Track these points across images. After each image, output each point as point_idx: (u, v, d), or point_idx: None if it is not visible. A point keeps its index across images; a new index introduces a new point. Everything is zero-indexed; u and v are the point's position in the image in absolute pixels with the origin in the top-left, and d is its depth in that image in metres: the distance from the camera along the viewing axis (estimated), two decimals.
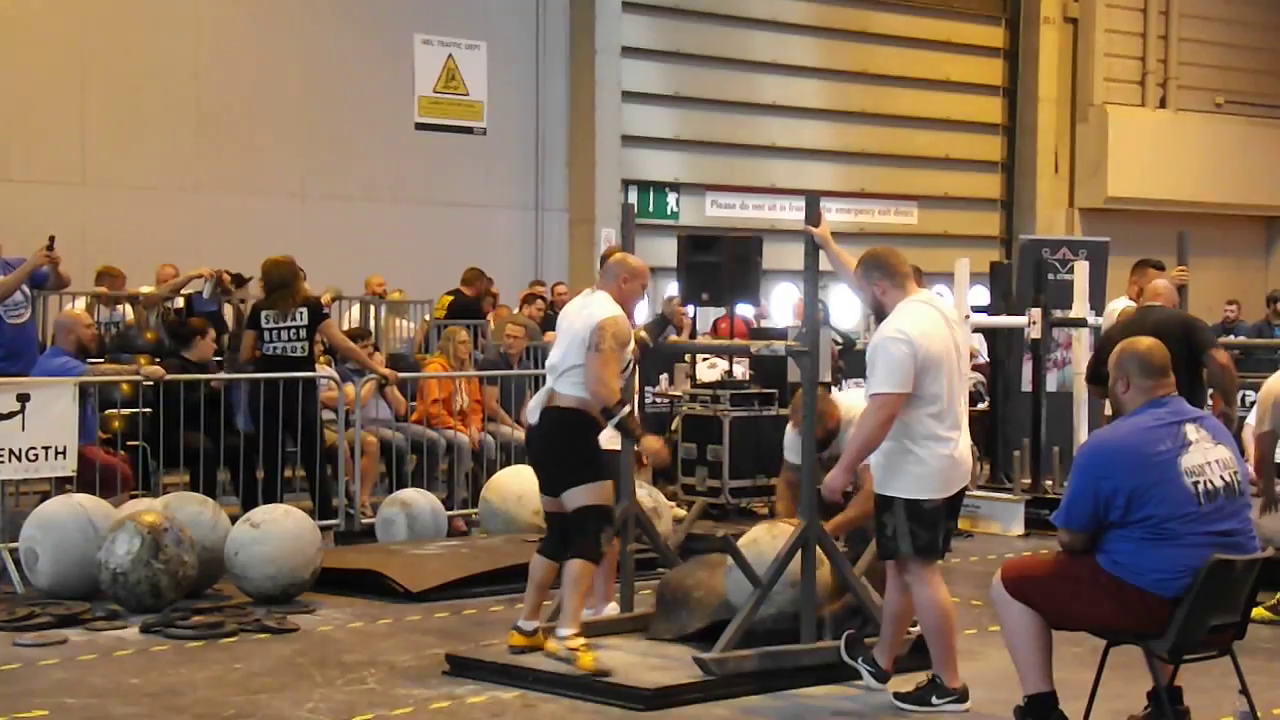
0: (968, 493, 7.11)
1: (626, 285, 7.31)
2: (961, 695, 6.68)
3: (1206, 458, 5.62)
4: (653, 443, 7.25)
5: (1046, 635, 5.81)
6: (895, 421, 6.56)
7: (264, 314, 10.83)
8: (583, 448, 7.07)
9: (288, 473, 11.01)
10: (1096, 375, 9.22)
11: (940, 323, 6.71)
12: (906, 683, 6.82)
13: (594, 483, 7.04)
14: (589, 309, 7.20)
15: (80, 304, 13.07)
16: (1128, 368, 5.74)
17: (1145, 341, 5.85)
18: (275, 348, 10.77)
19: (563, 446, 7.12)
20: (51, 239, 10.22)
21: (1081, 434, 11.96)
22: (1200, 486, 5.57)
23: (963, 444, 6.72)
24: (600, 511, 7.04)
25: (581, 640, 6.95)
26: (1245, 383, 14.09)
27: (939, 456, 6.61)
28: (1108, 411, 10.71)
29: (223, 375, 11.27)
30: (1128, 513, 5.55)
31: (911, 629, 7.03)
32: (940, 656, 6.71)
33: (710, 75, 20.79)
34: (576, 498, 7.02)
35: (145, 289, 13.80)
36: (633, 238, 8.36)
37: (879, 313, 6.87)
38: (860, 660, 6.95)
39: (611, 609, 8.01)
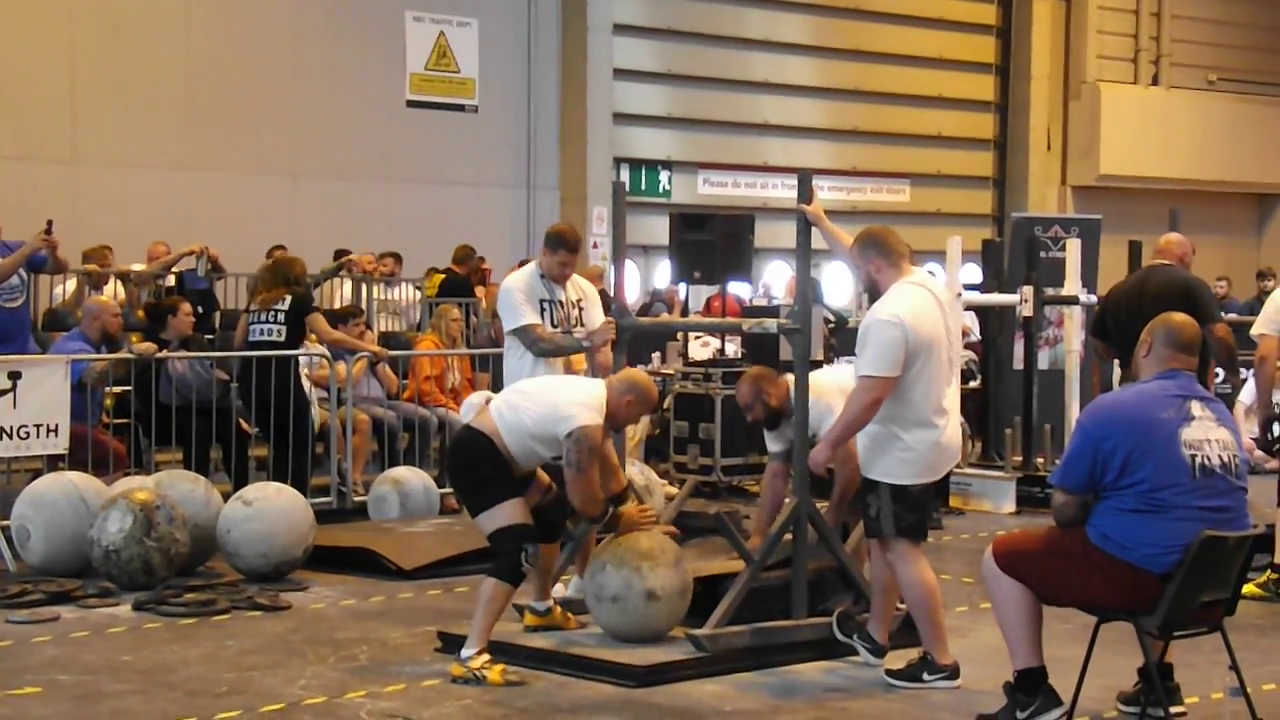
0: (959, 470, 7.11)
1: (627, 409, 6.96)
2: (953, 672, 6.70)
3: (1208, 435, 5.66)
4: (632, 517, 7.07)
5: (1037, 610, 5.83)
6: (883, 405, 6.55)
7: (253, 299, 10.97)
8: (488, 471, 6.80)
9: (261, 451, 10.99)
10: (1100, 329, 9.27)
11: (933, 306, 6.71)
12: (898, 660, 6.84)
13: (504, 503, 6.77)
14: (579, 400, 6.80)
15: (71, 284, 13.05)
16: (1157, 334, 5.85)
17: (1180, 317, 5.95)
18: (257, 330, 10.81)
19: (470, 471, 6.88)
20: (50, 223, 10.18)
21: (1073, 411, 11.97)
22: (1197, 460, 5.60)
23: (950, 428, 6.72)
24: (514, 531, 6.75)
25: (485, 658, 6.74)
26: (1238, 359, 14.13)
27: (925, 443, 6.62)
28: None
29: (213, 353, 11.25)
30: (1122, 475, 5.57)
31: (901, 604, 7.04)
32: (929, 634, 6.73)
33: (703, 53, 20.73)
34: (487, 522, 6.80)
35: (136, 267, 13.76)
36: (624, 216, 8.34)
37: (873, 291, 6.87)
38: (855, 637, 6.97)
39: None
